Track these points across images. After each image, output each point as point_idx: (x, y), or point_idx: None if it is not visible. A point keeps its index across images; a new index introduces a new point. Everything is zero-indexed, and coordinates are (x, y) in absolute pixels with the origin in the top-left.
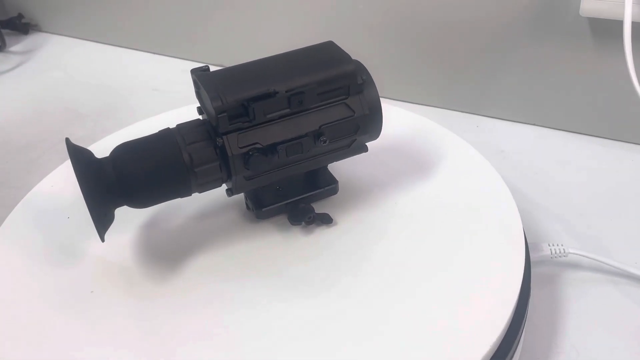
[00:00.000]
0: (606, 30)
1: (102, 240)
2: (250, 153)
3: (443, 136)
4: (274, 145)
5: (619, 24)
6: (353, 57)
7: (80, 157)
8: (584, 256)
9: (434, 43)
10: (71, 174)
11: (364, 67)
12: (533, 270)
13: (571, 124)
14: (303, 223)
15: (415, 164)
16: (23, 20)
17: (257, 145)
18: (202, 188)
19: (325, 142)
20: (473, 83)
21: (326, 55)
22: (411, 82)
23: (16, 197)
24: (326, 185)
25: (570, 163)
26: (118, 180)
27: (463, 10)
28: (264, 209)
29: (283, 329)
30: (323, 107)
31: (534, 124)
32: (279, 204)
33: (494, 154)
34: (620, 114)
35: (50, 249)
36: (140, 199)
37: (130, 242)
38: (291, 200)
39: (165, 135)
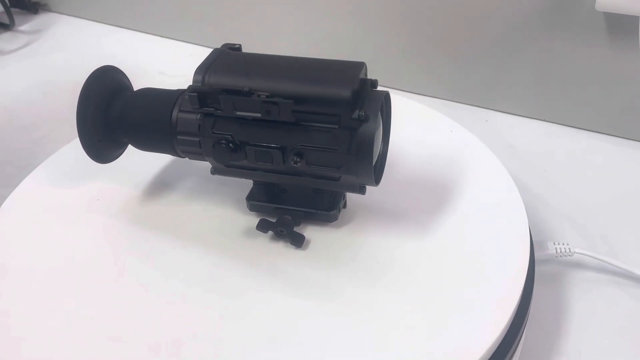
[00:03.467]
0: (622, 26)
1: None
2: (219, 141)
3: (450, 128)
4: (243, 143)
5: (636, 19)
6: (362, 46)
7: (105, 79)
8: (589, 256)
9: (445, 34)
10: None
11: (380, 105)
12: (538, 269)
13: (583, 121)
14: (271, 232)
15: (420, 155)
16: (32, 0)
17: (228, 137)
18: (187, 155)
19: (297, 162)
20: (483, 76)
21: (337, 75)
22: (420, 73)
23: (19, 176)
24: (323, 209)
25: (580, 161)
26: (120, 113)
27: (474, 2)
28: (251, 202)
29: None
30: (308, 127)
31: (544, 120)
32: (268, 204)
33: (502, 149)
34: (634, 113)
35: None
36: (135, 139)
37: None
38: (281, 206)
39: (172, 94)
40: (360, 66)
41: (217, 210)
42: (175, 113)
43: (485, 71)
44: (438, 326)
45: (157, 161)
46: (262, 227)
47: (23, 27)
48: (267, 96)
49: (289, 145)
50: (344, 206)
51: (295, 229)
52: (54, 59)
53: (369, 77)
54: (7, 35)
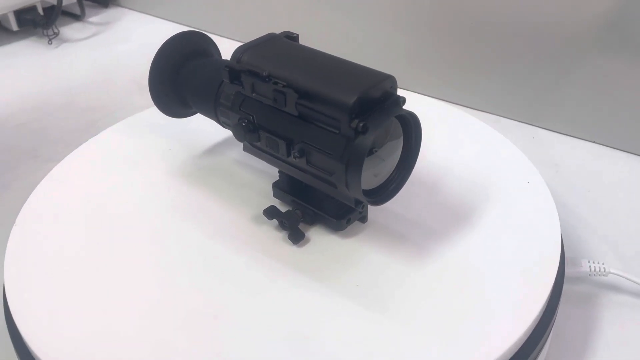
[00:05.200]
0: None
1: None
2: (240, 119)
3: (493, 140)
4: (260, 127)
5: None
6: (410, 56)
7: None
8: (624, 277)
9: (498, 50)
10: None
11: (386, 121)
12: (571, 287)
13: (634, 146)
14: (276, 221)
15: (460, 163)
16: None
17: (250, 117)
18: (226, 127)
19: (297, 157)
20: (534, 93)
21: (350, 81)
22: (473, 87)
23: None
24: (332, 215)
25: (626, 185)
26: (186, 75)
27: (530, 17)
28: (276, 188)
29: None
30: (312, 125)
31: (593, 142)
32: (288, 194)
33: (547, 167)
34: None
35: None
36: (192, 101)
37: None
38: (298, 200)
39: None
40: (380, 78)
41: (244, 188)
42: (222, 85)
43: (536, 88)
44: (450, 331)
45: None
46: (269, 213)
47: (93, 19)
48: (278, 84)
49: (295, 139)
50: (363, 220)
51: (306, 228)
52: (116, 50)
53: (414, 91)
54: (77, 25)
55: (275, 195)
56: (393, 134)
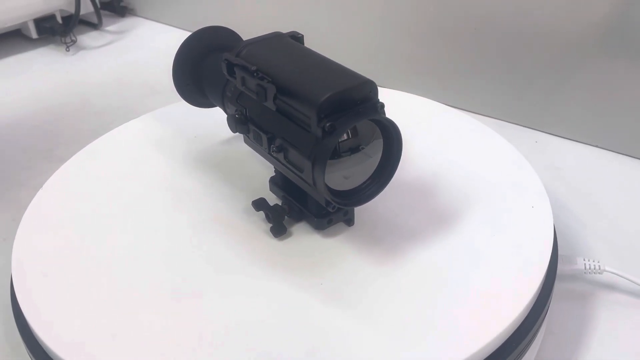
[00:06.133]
0: None
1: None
2: (234, 111)
3: (493, 143)
4: (249, 120)
5: None
6: (413, 61)
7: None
8: (620, 276)
9: (499, 53)
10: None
11: (352, 124)
12: (566, 285)
13: (635, 150)
14: (262, 213)
15: (456, 163)
16: (122, 4)
17: (243, 110)
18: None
19: (274, 152)
20: (537, 97)
21: (326, 80)
22: (475, 91)
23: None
24: (312, 213)
25: (627, 188)
26: (205, 66)
27: (532, 22)
28: (271, 183)
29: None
30: (292, 121)
31: (595, 146)
32: (280, 189)
33: (548, 170)
34: None
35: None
36: (208, 92)
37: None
38: (287, 196)
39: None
40: (358, 81)
41: (250, 179)
42: (237, 74)
43: (539, 93)
44: (437, 325)
45: None
46: (256, 205)
47: (110, 28)
48: (264, 80)
49: (275, 134)
50: (349, 223)
51: (292, 223)
52: (130, 57)
53: (417, 96)
54: (94, 33)
55: (270, 189)
56: (370, 140)
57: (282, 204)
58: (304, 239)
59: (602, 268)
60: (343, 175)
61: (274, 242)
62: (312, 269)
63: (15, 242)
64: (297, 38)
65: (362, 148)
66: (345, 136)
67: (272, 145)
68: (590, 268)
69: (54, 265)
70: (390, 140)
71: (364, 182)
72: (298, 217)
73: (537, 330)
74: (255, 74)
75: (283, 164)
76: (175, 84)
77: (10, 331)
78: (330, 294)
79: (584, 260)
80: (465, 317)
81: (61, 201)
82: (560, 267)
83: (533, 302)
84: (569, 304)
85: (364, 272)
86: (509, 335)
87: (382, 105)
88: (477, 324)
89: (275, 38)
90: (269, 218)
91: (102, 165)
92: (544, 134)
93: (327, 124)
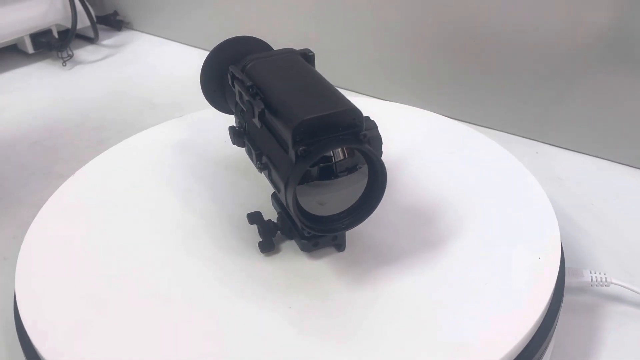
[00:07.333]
0: None
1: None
2: (237, 124)
3: (496, 155)
4: (246, 133)
5: None
6: (413, 73)
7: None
8: (626, 288)
9: (500, 65)
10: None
11: (324, 151)
12: (572, 298)
13: (637, 160)
14: (256, 226)
15: (461, 176)
16: (118, 18)
17: (244, 124)
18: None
19: (259, 168)
20: (537, 108)
21: (308, 105)
22: (475, 103)
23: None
24: (299, 233)
25: (629, 198)
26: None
27: (531, 33)
28: (273, 199)
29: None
30: (276, 141)
31: (597, 156)
32: (278, 206)
33: (550, 181)
34: None
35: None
36: (229, 100)
37: None
38: (282, 212)
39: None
40: (340, 107)
41: (261, 190)
42: (239, 80)
43: (539, 103)
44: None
45: None
46: (251, 218)
47: (106, 42)
48: (253, 95)
49: (263, 151)
50: (339, 248)
51: (283, 240)
52: (127, 71)
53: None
54: (91, 47)
55: (272, 203)
56: (348, 169)
57: (276, 220)
58: (290, 259)
59: (608, 280)
60: (317, 200)
61: (260, 257)
62: (286, 289)
63: (19, 260)
64: (307, 57)
65: (343, 175)
66: (331, 160)
67: (258, 162)
68: (597, 280)
69: (59, 283)
70: (375, 172)
71: (347, 210)
72: (289, 235)
73: (547, 346)
74: (250, 90)
75: (269, 181)
76: (203, 90)
77: (16, 356)
78: (295, 318)
79: (591, 272)
80: (473, 334)
81: (64, 219)
82: (568, 280)
83: (542, 318)
84: (577, 317)
85: (340, 299)
86: (520, 352)
87: (365, 136)
88: (486, 343)
89: (283, 55)
90: (259, 232)
91: (107, 180)
92: (545, 145)
93: (301, 148)
